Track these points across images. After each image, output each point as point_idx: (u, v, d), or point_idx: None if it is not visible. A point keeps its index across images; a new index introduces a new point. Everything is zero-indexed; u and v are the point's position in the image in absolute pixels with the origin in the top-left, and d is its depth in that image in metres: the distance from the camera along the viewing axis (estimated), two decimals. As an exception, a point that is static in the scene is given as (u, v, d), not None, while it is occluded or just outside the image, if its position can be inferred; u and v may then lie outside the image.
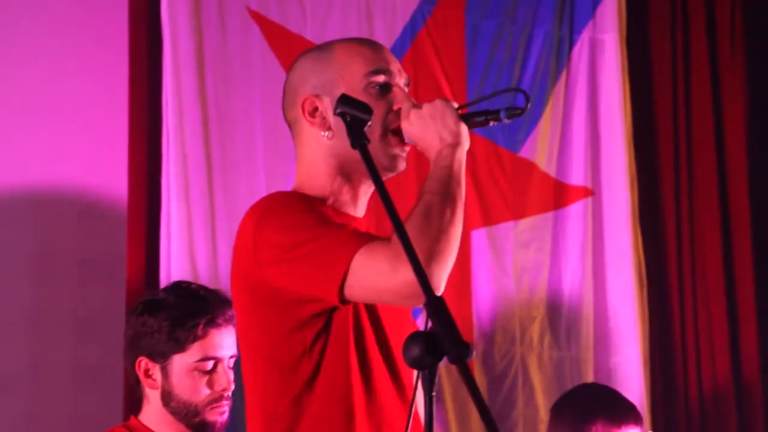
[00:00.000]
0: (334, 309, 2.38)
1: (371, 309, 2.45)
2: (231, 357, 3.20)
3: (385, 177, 2.50)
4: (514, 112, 2.46)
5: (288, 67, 4.59)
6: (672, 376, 5.13)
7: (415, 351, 2.05)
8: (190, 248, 4.35)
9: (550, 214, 5.06)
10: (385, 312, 2.47)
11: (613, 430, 3.82)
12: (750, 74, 5.42)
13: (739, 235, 5.29)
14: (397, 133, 2.51)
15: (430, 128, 2.43)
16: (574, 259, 5.06)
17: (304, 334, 2.38)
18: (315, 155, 2.52)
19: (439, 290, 2.28)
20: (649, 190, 5.24)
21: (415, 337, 2.06)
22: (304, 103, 2.53)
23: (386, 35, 4.85)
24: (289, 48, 4.66)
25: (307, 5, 4.71)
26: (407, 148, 2.53)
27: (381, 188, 2.26)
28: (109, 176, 4.26)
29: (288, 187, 4.56)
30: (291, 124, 2.58)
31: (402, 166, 2.53)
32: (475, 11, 5.04)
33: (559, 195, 5.09)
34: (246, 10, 4.60)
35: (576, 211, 5.09)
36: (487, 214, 4.95)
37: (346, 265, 2.29)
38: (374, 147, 2.42)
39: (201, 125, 4.42)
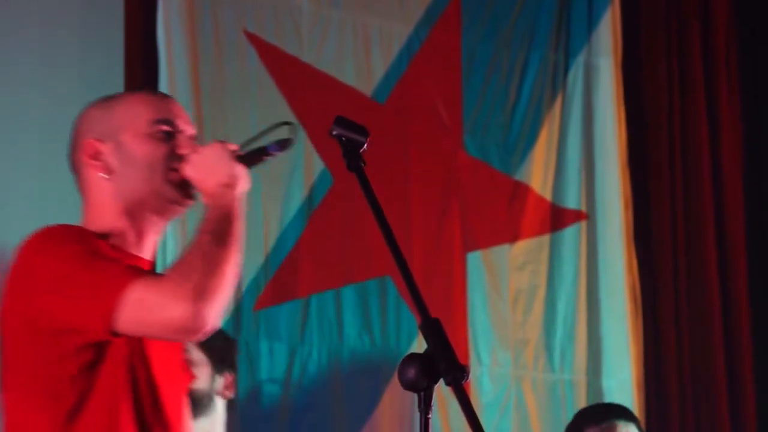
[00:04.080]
0: (106, 342, 2.36)
1: (142, 345, 2.43)
2: None
3: (162, 221, 2.52)
4: (284, 144, 2.48)
5: (284, 89, 4.66)
6: (666, 400, 5.13)
7: (411, 373, 2.05)
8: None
9: (545, 237, 5.07)
10: (155, 349, 2.45)
11: (602, 427, 4.03)
12: (746, 95, 5.44)
13: (735, 258, 5.29)
14: (181, 183, 2.50)
15: (207, 171, 2.45)
16: (568, 282, 5.07)
17: (70, 364, 2.35)
18: (99, 197, 2.52)
19: (208, 327, 2.29)
20: (644, 213, 5.25)
21: (411, 359, 2.06)
22: (86, 147, 2.53)
23: (382, 58, 4.86)
24: (286, 70, 4.67)
25: (303, 27, 4.72)
26: (189, 202, 2.53)
27: (377, 211, 2.26)
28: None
29: (285, 210, 4.61)
30: (76, 170, 2.58)
31: (177, 213, 2.53)
32: (471, 35, 5.06)
33: (554, 218, 5.10)
34: (242, 32, 4.61)
35: (570, 235, 5.10)
36: (482, 237, 4.95)
37: (117, 298, 2.29)
38: (155, 188, 2.47)
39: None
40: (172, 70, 4.40)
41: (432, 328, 2.08)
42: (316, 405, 4.55)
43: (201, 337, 2.33)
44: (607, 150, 5.18)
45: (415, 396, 2.08)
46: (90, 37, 4.32)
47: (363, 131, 2.38)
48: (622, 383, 5.02)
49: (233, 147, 2.49)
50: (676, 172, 5.29)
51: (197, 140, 2.57)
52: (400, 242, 2.26)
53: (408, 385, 2.06)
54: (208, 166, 2.46)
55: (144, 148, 2.49)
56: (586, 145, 5.18)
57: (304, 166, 4.65)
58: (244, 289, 4.48)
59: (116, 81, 4.31)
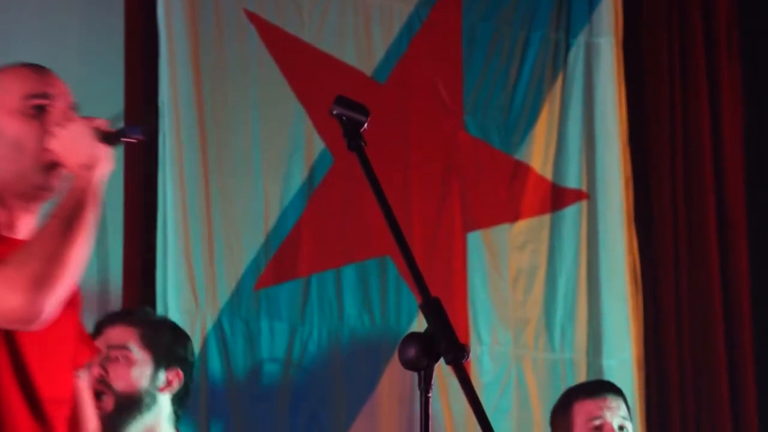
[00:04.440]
0: None
1: (10, 334, 2.35)
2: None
3: (31, 204, 2.42)
4: (145, 130, 2.45)
5: (285, 68, 4.65)
6: (667, 380, 5.14)
7: (411, 352, 2.05)
8: (187, 254, 4.34)
9: (545, 217, 5.07)
10: (31, 339, 2.36)
11: (593, 401, 3.98)
12: (747, 77, 5.43)
13: (735, 239, 5.29)
14: (53, 163, 2.41)
15: (69, 148, 2.36)
16: (568, 261, 5.07)
17: None
18: None
19: (43, 316, 2.23)
20: (645, 193, 5.25)
21: (411, 338, 2.07)
22: None
23: (383, 37, 4.85)
24: (286, 49, 4.66)
25: (304, 7, 4.71)
26: (59, 175, 2.43)
27: (378, 191, 2.26)
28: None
29: (286, 190, 4.60)
30: None
31: (47, 195, 2.43)
32: (472, 14, 5.05)
33: (554, 198, 5.10)
34: (243, 11, 4.60)
35: (571, 214, 5.10)
36: (482, 217, 4.95)
37: None
38: (21, 170, 2.38)
39: (197, 128, 4.42)
40: (173, 50, 4.40)
41: (432, 308, 2.09)
42: (316, 384, 4.55)
43: (37, 326, 2.25)
44: (608, 129, 5.17)
45: (416, 375, 2.09)
46: (90, 32, 4.32)
47: (363, 111, 2.37)
48: (623, 363, 5.03)
49: (100, 123, 2.41)
50: (676, 152, 5.29)
51: (75, 111, 2.45)
52: (401, 222, 2.26)
53: (408, 365, 2.06)
54: (71, 144, 2.37)
55: (13, 125, 2.41)
56: (586, 124, 5.17)
57: (304, 145, 4.64)
58: (244, 268, 4.48)
59: (115, 62, 4.31)
